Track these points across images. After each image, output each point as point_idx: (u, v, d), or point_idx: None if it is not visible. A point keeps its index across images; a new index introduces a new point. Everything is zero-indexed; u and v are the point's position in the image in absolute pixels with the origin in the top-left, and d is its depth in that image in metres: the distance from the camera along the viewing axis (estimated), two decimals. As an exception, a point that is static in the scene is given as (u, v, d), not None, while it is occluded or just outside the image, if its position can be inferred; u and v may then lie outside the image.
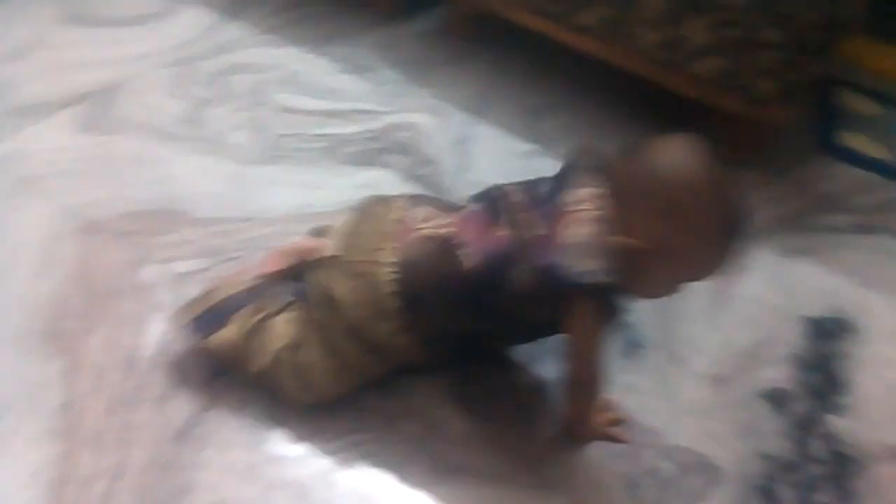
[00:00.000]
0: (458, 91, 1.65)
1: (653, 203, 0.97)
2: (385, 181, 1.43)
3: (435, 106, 1.60)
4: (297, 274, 1.12)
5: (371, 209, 1.10)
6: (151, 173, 1.36)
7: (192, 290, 1.14)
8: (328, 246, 1.08)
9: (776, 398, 1.22)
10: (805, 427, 1.20)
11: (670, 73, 1.58)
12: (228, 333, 1.05)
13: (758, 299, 1.35)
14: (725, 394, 1.19)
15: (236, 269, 1.16)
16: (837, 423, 1.22)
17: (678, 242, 0.98)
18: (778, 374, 1.24)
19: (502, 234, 1.01)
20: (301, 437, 1.05)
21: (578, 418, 1.09)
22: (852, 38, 1.75)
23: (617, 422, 1.12)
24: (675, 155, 0.99)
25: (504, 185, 1.08)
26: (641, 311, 1.28)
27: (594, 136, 1.62)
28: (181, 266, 1.21)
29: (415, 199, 1.11)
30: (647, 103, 1.71)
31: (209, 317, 1.07)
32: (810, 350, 1.31)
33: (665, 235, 0.97)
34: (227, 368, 1.08)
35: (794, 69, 1.51)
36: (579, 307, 0.98)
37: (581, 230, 0.97)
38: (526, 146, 1.57)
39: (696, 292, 1.31)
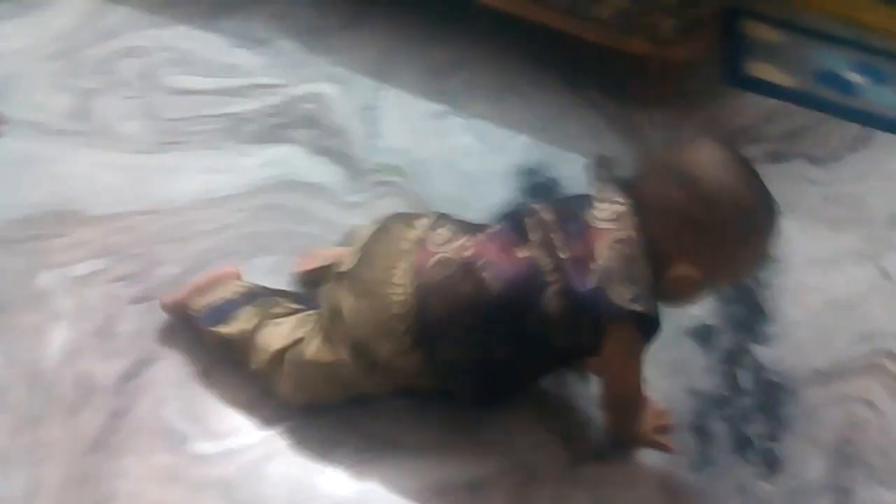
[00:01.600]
0: (360, 56, 1.60)
1: (694, 221, 0.92)
2: (292, 157, 1.38)
3: (337, 73, 1.55)
4: (317, 280, 1.10)
5: (391, 225, 1.05)
6: (41, 174, 1.28)
7: (93, 294, 1.09)
8: (346, 259, 1.04)
9: (702, 334, 1.23)
10: (733, 360, 1.21)
11: (573, 19, 1.55)
12: (237, 325, 1.03)
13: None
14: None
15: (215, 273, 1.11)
16: (764, 353, 1.23)
17: (724, 259, 0.95)
18: (702, 311, 1.24)
19: (526, 254, 0.96)
20: (224, 433, 1.02)
21: (623, 432, 1.06)
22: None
23: (664, 429, 1.09)
24: (708, 167, 0.93)
25: (532, 202, 1.03)
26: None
27: (515, 92, 1.60)
28: (79, 269, 1.15)
29: (439, 219, 1.05)
30: (554, 53, 1.69)
31: (225, 306, 1.05)
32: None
33: (712, 256, 0.94)
34: (229, 358, 1.06)
35: (693, 4, 1.50)
36: (619, 333, 0.94)
37: (617, 252, 0.92)
38: (435, 107, 1.54)
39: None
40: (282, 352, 1.01)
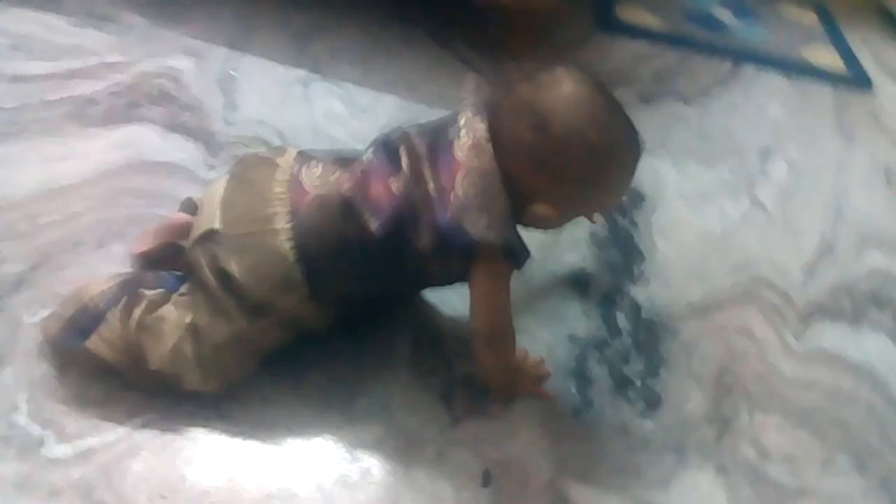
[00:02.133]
0: (215, 25, 1.53)
1: (546, 164, 0.91)
2: (144, 137, 1.30)
3: (191, 46, 1.47)
4: (170, 254, 1.02)
5: (250, 174, 0.99)
6: None
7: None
8: (203, 220, 0.96)
9: (578, 280, 1.22)
10: (609, 302, 1.21)
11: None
12: (110, 332, 0.94)
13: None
14: (524, 285, 1.18)
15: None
16: (641, 292, 1.23)
17: (579, 198, 0.95)
18: (577, 257, 1.23)
19: (401, 187, 0.93)
20: (80, 433, 0.95)
21: (496, 376, 1.04)
22: None
23: (543, 378, 1.07)
24: (561, 107, 0.90)
25: (407, 128, 0.98)
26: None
27: (395, 56, 1.55)
28: (-90, 276, 1.06)
29: (303, 156, 1.00)
30: (419, 10, 1.65)
31: (84, 318, 0.95)
32: (604, 226, 1.32)
33: (566, 197, 0.93)
34: (116, 370, 0.96)
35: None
36: (484, 264, 0.93)
37: (471, 183, 0.90)
38: (298, 72, 1.48)
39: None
40: (178, 346, 0.94)
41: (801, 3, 2.21)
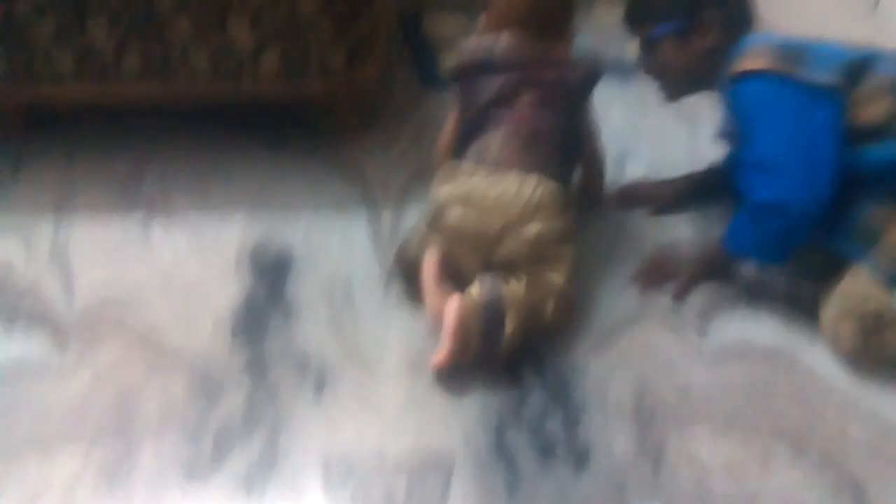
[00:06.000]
0: (37, 196, 1.43)
1: None
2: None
3: (14, 224, 1.37)
4: None
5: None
6: None
7: None
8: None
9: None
10: (513, 359, 1.17)
11: (242, 82, 1.46)
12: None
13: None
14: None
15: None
16: (542, 346, 1.19)
17: None
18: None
19: None
20: None
21: None
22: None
23: None
24: None
25: None
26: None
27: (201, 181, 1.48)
28: None
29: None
30: (248, 120, 1.60)
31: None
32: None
33: None
34: None
35: (352, 28, 1.44)
36: None
37: None
38: (134, 218, 1.40)
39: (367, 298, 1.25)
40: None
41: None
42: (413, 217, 1.38)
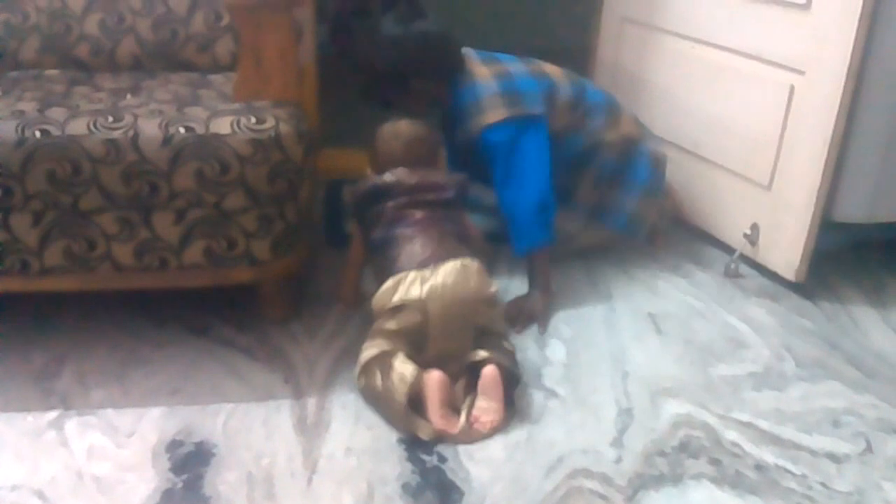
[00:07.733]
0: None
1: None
2: None
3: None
4: None
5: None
6: None
7: None
8: None
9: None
10: None
11: (166, 275, 1.48)
12: None
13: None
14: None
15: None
16: None
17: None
18: (393, 518, 1.16)
19: None
20: None
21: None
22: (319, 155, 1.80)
23: None
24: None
25: None
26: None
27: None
28: None
29: None
30: (169, 310, 1.60)
31: None
32: (414, 471, 1.26)
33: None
34: None
35: (277, 217, 1.49)
36: None
37: None
38: (49, 416, 1.35)
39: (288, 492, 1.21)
40: None
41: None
42: (339, 403, 1.37)
